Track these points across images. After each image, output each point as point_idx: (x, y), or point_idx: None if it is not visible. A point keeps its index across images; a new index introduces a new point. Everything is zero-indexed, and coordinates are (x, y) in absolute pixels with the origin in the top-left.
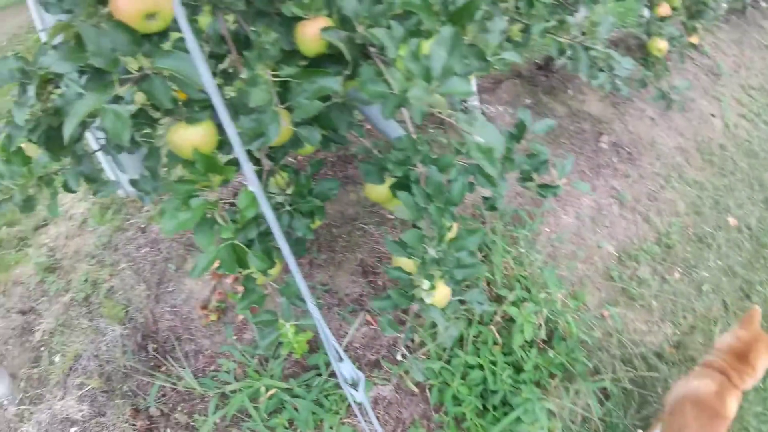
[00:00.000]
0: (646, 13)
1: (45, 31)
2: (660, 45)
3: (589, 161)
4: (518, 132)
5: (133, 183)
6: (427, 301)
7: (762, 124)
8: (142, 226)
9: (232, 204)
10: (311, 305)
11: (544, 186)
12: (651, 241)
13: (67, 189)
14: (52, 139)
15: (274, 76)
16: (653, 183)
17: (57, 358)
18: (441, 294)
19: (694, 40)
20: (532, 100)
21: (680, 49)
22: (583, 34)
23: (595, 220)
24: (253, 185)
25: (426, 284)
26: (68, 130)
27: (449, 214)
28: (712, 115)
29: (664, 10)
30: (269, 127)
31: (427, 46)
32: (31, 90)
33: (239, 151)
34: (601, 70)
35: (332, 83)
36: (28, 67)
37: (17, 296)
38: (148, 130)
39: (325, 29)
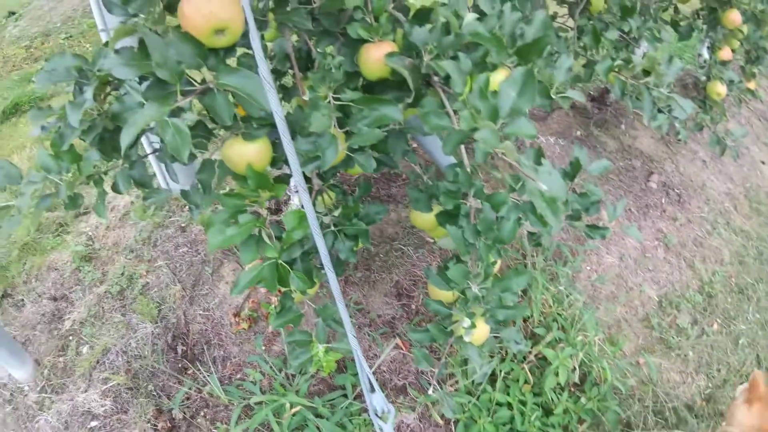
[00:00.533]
0: (705, 52)
1: (106, 32)
2: (719, 89)
3: (637, 200)
4: (572, 171)
5: (184, 194)
6: (466, 339)
7: None
8: (183, 225)
9: (275, 212)
10: (351, 336)
11: (592, 227)
12: (693, 288)
13: (116, 190)
14: (105, 141)
15: (336, 99)
16: (700, 228)
17: (84, 350)
18: (480, 332)
19: (751, 85)
20: (584, 132)
21: (738, 94)
22: (646, 72)
23: (639, 262)
24: (307, 210)
25: (467, 322)
26: (126, 141)
27: (496, 251)
28: (762, 162)
29: (725, 54)
30: (326, 152)
31: (495, 81)
32: (89, 92)
33: (298, 179)
34: (660, 111)
35: (394, 112)
36: (87, 66)
37: (50, 282)
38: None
39: (389, 55)
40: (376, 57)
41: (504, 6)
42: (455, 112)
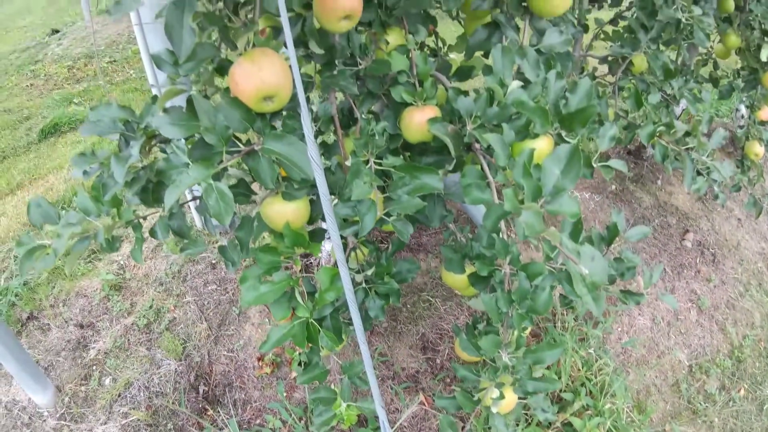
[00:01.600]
0: (742, 108)
1: (157, 87)
2: (758, 150)
3: (672, 260)
4: (610, 236)
5: (221, 250)
6: (494, 410)
7: None
8: (213, 261)
9: (304, 256)
10: (379, 407)
11: (627, 293)
12: (724, 353)
13: (154, 236)
14: (147, 192)
15: (377, 163)
16: (733, 290)
17: (107, 381)
18: (508, 401)
19: None
20: (619, 186)
21: None
22: (687, 135)
23: (672, 325)
24: (342, 272)
25: (495, 393)
26: (170, 201)
27: (530, 320)
28: None
29: (765, 114)
30: (365, 218)
31: (538, 151)
32: (135, 148)
33: (335, 239)
34: (699, 173)
35: (436, 182)
36: (133, 119)
37: (78, 308)
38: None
39: (432, 121)
40: (419, 122)
41: (548, 73)
42: (496, 182)
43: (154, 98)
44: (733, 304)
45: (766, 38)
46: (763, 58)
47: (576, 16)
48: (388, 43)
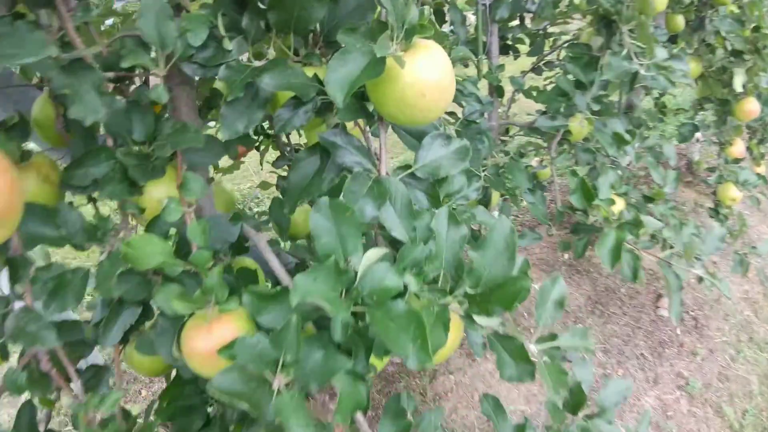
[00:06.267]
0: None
1: None
2: (734, 194)
3: (648, 338)
4: (574, 403)
5: None
6: None
7: None
8: None
9: None
10: None
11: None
12: None
13: None
14: None
15: None
16: (723, 356)
17: None
18: None
19: (761, 169)
20: (571, 255)
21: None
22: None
23: (660, 425)
24: None
25: None
26: None
27: None
28: None
29: (737, 150)
30: None
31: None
32: None
33: None
34: None
35: None
36: None
37: None
38: None
39: (226, 351)
40: (205, 352)
41: (435, 219)
42: None
43: None
44: (725, 375)
45: (732, 60)
46: (738, 88)
47: (482, 78)
48: (142, 211)
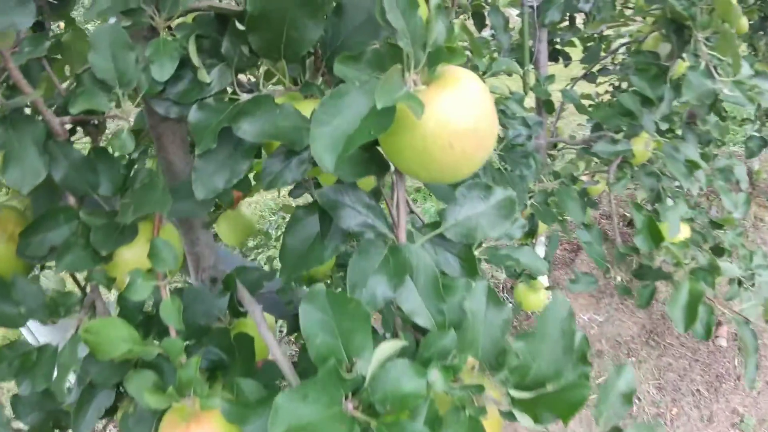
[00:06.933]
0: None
1: None
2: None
3: (705, 371)
4: None
5: None
6: None
7: None
8: None
9: None
10: None
11: None
12: None
13: None
14: None
15: None
16: None
17: None
18: None
19: None
20: (626, 276)
21: None
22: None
23: None
24: None
25: None
26: None
27: None
28: None
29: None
30: None
31: None
32: None
33: None
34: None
35: None
36: None
37: None
38: None
39: None
40: None
41: (469, 298)
42: None
43: None
44: None
45: None
46: None
47: (528, 92)
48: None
